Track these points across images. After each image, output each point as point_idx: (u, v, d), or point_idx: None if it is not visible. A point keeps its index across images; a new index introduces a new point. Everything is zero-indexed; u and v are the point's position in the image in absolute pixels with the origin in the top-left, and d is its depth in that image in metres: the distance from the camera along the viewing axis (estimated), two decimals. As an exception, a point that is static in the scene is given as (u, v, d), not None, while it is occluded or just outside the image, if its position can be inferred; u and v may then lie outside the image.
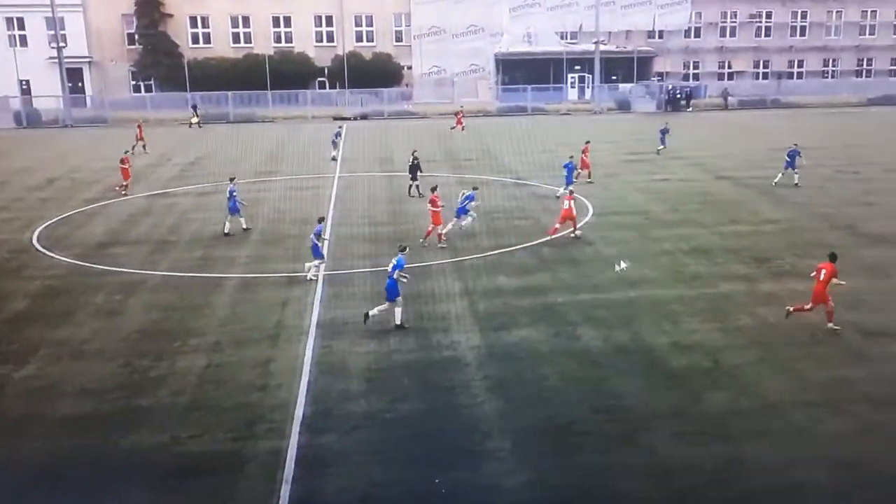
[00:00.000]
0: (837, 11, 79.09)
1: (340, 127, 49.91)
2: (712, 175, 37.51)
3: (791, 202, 31.42)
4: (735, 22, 78.49)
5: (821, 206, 30.86)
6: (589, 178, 35.58)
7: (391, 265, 18.39)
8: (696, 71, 79.03)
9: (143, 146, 47.31)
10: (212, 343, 18.07)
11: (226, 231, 27.56)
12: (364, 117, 65.16)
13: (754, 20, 78.48)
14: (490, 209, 30.47)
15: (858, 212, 29.78)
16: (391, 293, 18.31)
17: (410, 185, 33.28)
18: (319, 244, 22.26)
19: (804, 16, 78.92)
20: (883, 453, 13.19)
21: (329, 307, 20.21)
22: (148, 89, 72.88)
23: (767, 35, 78.81)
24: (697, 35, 78.29)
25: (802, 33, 79.44)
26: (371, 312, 18.53)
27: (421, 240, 25.34)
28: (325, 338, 18.19)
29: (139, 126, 49.08)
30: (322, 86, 74.37)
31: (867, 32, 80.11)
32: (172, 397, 15.52)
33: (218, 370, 16.71)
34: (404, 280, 18.49)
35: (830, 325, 18.12)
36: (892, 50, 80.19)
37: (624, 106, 69.20)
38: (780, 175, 34.41)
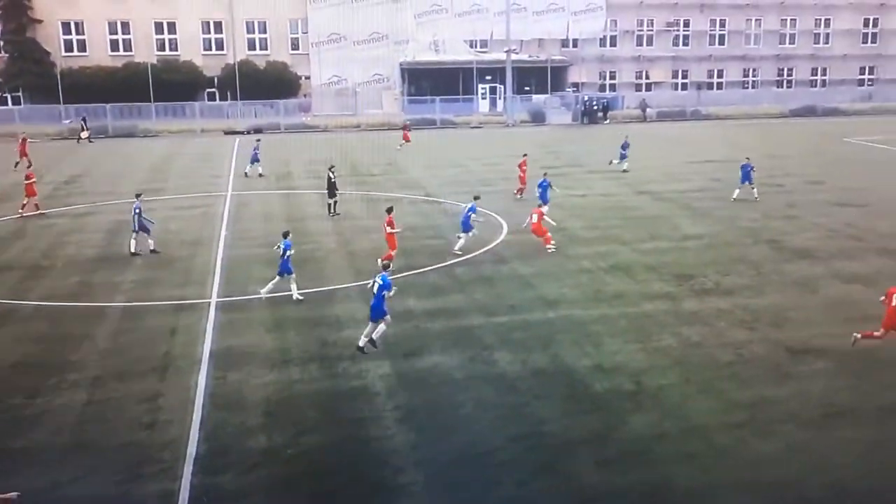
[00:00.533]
0: (757, 19, 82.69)
1: (258, 140, 48.23)
2: (632, 189, 38.60)
3: (713, 216, 32.61)
4: (652, 30, 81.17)
5: (744, 219, 32.12)
6: (518, 193, 36.26)
7: (375, 285, 18.53)
8: (612, 81, 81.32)
9: (27, 163, 44.39)
10: (93, 377, 17.64)
11: (132, 251, 27.31)
12: (258, 130, 64.64)
13: (672, 28, 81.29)
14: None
15: (782, 225, 31.15)
16: (377, 313, 18.48)
17: (329, 204, 33.42)
18: (288, 259, 22.12)
19: (723, 24, 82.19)
20: (809, 474, 13.79)
21: (223, 335, 19.98)
22: (16, 101, 70.75)
23: (686, 44, 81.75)
24: (613, 44, 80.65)
25: (721, 42, 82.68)
26: (362, 342, 18.53)
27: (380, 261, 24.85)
28: (219, 368, 17.97)
29: (22, 140, 47.52)
30: (211, 97, 73.61)
31: (787, 41, 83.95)
32: (50, 437, 15.09)
33: (100, 407, 16.32)
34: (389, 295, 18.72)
35: None
36: (812, 59, 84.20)
37: (538, 118, 70.61)
38: (737, 191, 35.53)
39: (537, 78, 75.77)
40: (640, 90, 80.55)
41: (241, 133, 64.01)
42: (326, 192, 33.74)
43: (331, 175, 33.56)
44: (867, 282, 23.94)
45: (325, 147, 52.99)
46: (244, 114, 69.00)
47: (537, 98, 74.32)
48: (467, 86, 74.48)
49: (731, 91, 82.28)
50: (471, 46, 76.98)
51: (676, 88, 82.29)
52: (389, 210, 25.96)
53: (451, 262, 26.18)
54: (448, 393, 16.77)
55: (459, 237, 27.16)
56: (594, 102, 71.29)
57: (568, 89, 76.84)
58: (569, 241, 28.89)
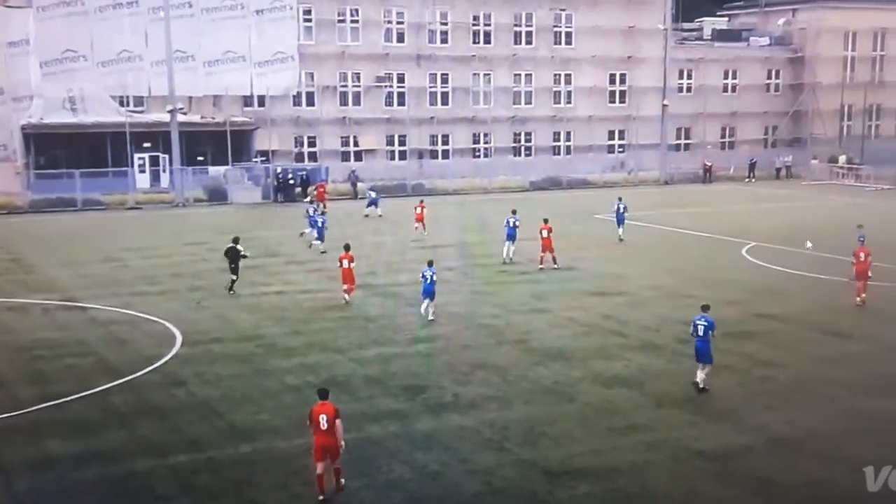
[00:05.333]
0: (486, 74, 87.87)
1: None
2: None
3: (448, 312, 33.90)
4: (359, 86, 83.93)
5: (484, 316, 33.74)
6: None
7: (700, 327, 25.23)
8: (312, 149, 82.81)
9: None
10: None
11: None
12: None
13: (383, 84, 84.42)
14: (25, 344, 30.01)
15: (529, 321, 33.02)
16: (703, 356, 25.28)
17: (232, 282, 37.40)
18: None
19: (445, 79, 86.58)
20: None
21: None
22: None
23: (402, 103, 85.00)
24: (311, 102, 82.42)
25: (445, 101, 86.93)
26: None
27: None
28: None
29: None
30: None
31: (523, 101, 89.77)
32: None
33: None
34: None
35: None
36: (553, 122, 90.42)
37: (218, 195, 70.48)
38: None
39: (215, 145, 75.75)
40: (349, 160, 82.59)
41: None
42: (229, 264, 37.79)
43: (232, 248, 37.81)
44: (631, 384, 25.84)
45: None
46: None
47: (215, 170, 74.12)
48: (119, 155, 72.80)
49: (461, 160, 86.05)
50: (122, 105, 75.64)
51: (393, 158, 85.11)
52: (347, 247, 35.34)
53: (105, 386, 25.43)
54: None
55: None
56: (290, 175, 72.25)
57: (255, 159, 77.31)
58: (266, 353, 28.97)
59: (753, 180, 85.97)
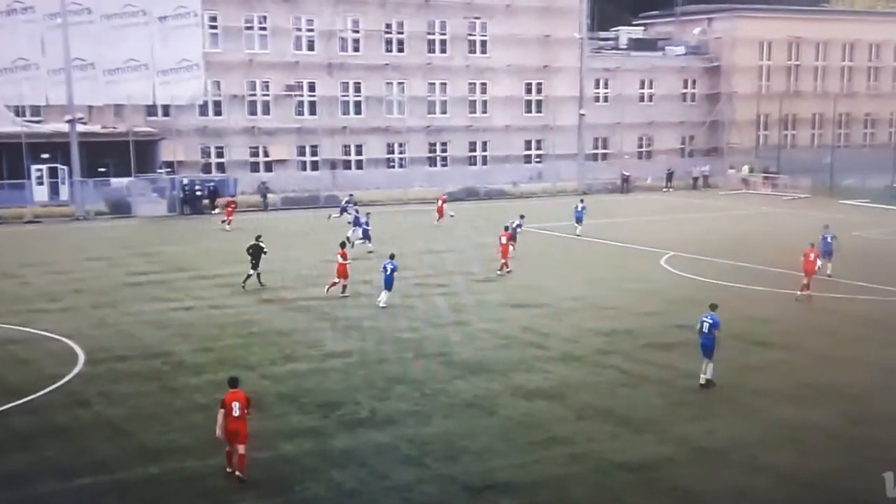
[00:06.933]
0: (399, 83, 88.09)
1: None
2: (254, 298, 39.15)
3: (362, 328, 33.95)
4: (268, 95, 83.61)
5: (401, 329, 33.76)
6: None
7: (706, 325, 26.68)
8: (221, 160, 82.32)
9: None
10: None
11: None
12: None
13: (294, 93, 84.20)
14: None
15: (448, 334, 33.14)
16: (708, 351, 26.68)
17: (253, 275, 40.63)
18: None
19: (357, 88, 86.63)
20: None
21: None
22: None
23: (313, 112, 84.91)
24: (219, 112, 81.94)
25: (358, 110, 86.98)
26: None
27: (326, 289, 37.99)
28: None
29: None
30: None
31: (438, 110, 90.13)
32: None
33: None
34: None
35: None
36: (469, 132, 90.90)
37: (121, 208, 69.60)
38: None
39: (117, 156, 74.76)
40: (258, 171, 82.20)
41: None
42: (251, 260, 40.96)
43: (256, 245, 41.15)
44: (552, 396, 26.09)
45: None
46: None
47: (118, 182, 73.19)
48: (15, 167, 71.53)
49: (375, 171, 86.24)
50: (17, 115, 74.41)
51: (305, 168, 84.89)
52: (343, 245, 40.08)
53: (5, 407, 25.01)
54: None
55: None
56: (197, 187, 71.62)
57: (160, 171, 76.52)
58: (173, 371, 28.71)
59: (671, 190, 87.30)
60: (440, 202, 64.55)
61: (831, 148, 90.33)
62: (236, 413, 19.97)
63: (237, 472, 20.14)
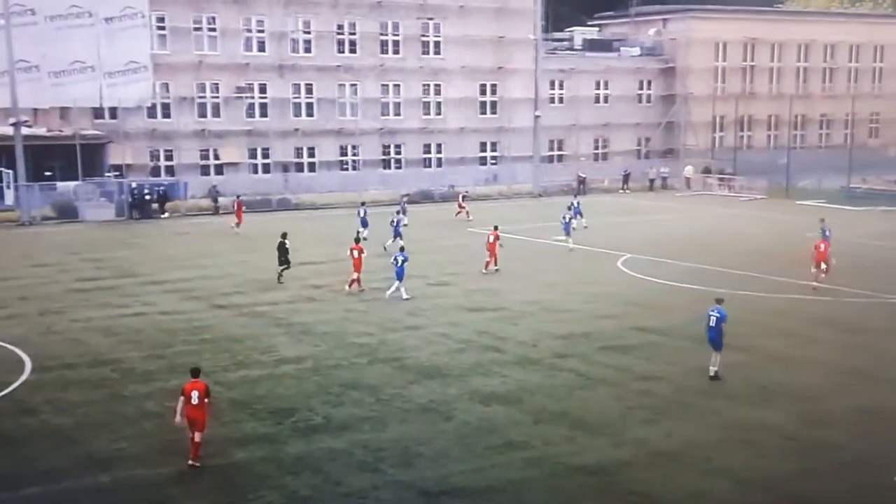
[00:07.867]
0: (352, 85, 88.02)
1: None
2: (206, 303, 39.03)
3: (315, 333, 33.92)
4: (218, 97, 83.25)
5: (355, 334, 33.76)
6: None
7: (713, 318, 27.98)
8: (170, 163, 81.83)
9: None
10: None
11: None
12: None
13: (244, 95, 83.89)
14: None
15: (403, 339, 33.24)
16: (716, 344, 28.09)
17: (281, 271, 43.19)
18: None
19: (309, 90, 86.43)
20: None
21: None
22: None
23: (264, 114, 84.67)
24: (168, 114, 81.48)
25: (310, 112, 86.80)
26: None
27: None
28: None
29: None
30: None
31: (391, 112, 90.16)
32: None
33: None
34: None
35: None
36: (423, 134, 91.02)
37: (68, 213, 69.10)
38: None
39: (63, 159, 74.19)
40: (209, 174, 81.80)
41: None
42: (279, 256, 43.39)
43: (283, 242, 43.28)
44: (509, 400, 26.22)
45: None
46: None
47: (65, 186, 72.62)
48: (-41, 172, 71.20)
49: (328, 174, 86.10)
50: (-41, 118, 73.83)
51: (256, 171, 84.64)
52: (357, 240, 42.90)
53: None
54: None
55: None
56: (146, 191, 71.19)
57: (108, 174, 75.99)
58: (123, 378, 28.58)
59: (627, 191, 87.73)
60: (462, 197, 69.62)
61: (787, 149, 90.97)
62: (195, 401, 21.14)
63: (189, 460, 21.16)
